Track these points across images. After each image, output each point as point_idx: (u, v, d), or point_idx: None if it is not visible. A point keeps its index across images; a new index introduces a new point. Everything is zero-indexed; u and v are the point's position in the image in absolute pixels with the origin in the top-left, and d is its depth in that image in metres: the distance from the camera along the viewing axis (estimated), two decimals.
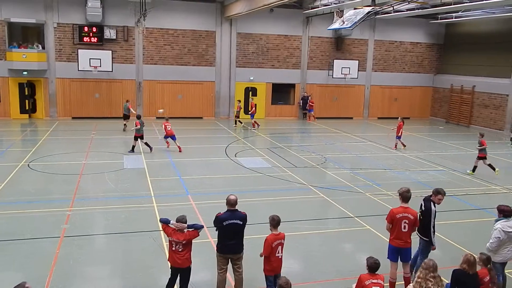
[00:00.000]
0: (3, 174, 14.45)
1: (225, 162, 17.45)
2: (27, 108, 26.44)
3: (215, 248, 7.61)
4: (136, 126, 18.23)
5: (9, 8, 25.06)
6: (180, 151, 18.82)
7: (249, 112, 26.44)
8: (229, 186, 14.00)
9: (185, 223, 7.24)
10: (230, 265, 7.56)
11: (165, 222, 7.30)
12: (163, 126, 19.00)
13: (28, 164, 15.92)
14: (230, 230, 7.37)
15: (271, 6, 21.51)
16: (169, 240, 7.25)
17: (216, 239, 7.52)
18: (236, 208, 7.50)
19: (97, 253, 9.39)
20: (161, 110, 23.21)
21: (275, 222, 7.20)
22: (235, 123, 26.46)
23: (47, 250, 9.19)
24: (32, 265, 8.60)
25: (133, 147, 18.41)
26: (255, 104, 26.60)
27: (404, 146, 20.85)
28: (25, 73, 25.63)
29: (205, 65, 28.71)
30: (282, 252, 7.22)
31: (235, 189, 12.96)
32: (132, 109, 23.82)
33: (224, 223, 7.35)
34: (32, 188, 13.40)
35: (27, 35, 26.90)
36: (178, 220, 7.22)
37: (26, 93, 26.29)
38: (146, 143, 18.49)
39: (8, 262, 8.74)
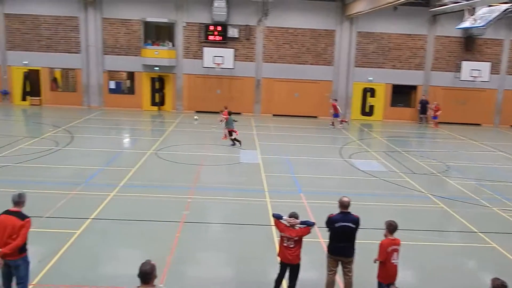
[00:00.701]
0: (134, 160, 15.93)
1: (339, 163, 17.23)
2: (156, 101, 28.76)
3: (326, 249, 7.56)
4: (224, 120, 19.57)
5: (145, 9, 27.45)
6: (225, 138, 19.88)
7: (334, 113, 25.53)
8: (342, 187, 13.81)
9: (297, 219, 7.32)
10: (339, 268, 7.47)
11: (277, 217, 7.44)
12: (223, 114, 20.26)
13: (156, 152, 17.32)
14: (342, 233, 7.27)
15: (395, 3, 20.67)
16: (280, 235, 7.38)
17: (327, 240, 7.48)
18: (349, 210, 7.38)
19: (212, 241, 9.90)
20: (196, 117, 23.64)
21: (392, 228, 6.93)
22: (332, 124, 26.02)
23: (169, 233, 9.92)
24: (155, 245, 9.35)
25: (235, 139, 19.07)
26: (336, 105, 25.62)
27: None
28: (156, 68, 27.90)
29: (323, 64, 28.59)
30: (398, 259, 6.93)
31: (348, 191, 12.73)
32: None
33: (336, 225, 7.27)
34: (158, 175, 14.58)
35: (159, 33, 29.23)
36: (290, 216, 7.33)
37: (157, 87, 28.60)
38: (234, 139, 19.17)
39: (135, 240, 9.61)
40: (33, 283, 7.49)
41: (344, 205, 7.37)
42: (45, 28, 27.65)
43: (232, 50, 27.23)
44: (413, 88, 29.36)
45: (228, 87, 28.53)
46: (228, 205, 12.04)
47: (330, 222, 7.35)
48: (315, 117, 28.86)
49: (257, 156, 17.59)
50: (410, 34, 28.44)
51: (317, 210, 11.23)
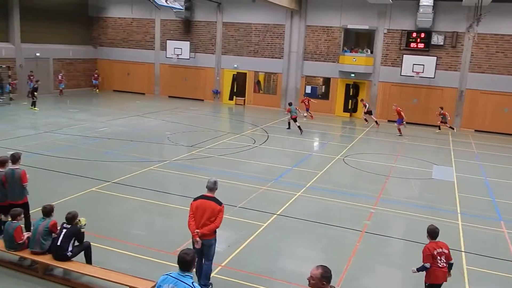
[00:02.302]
0: (322, 164, 16.31)
1: None
2: (349, 107, 28.87)
3: None
4: (286, 112, 22.50)
5: (347, 16, 27.77)
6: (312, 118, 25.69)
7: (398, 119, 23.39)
8: None
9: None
10: None
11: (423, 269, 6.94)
12: (305, 102, 26.18)
13: (343, 159, 17.42)
14: None
15: None
16: (432, 253, 6.83)
17: None
18: None
19: (392, 256, 9.51)
20: (305, 114, 24.38)
21: None
22: (439, 129, 24.53)
23: (349, 240, 9.89)
24: (333, 250, 9.44)
25: (289, 124, 22.60)
26: (400, 110, 23.37)
27: None
28: (352, 75, 28.00)
29: None
30: None
31: None
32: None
33: None
34: (343, 181, 14.65)
35: (358, 40, 29.24)
36: (431, 229, 7.19)
37: (350, 94, 28.71)
38: (298, 126, 21.76)
39: (315, 241, 9.85)
40: (222, 264, 8.32)
41: None
42: (255, 35, 30.32)
43: (434, 58, 25.62)
44: None
45: (426, 97, 26.91)
46: (414, 221, 11.38)
47: None
48: None
49: (452, 173, 16.20)
50: None
51: None
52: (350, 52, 27.92)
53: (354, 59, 27.47)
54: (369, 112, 25.46)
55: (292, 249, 9.40)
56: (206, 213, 7.09)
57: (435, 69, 25.49)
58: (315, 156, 18.30)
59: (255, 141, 19.58)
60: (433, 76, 25.53)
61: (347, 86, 28.73)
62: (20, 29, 28.42)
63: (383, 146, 20.62)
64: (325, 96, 29.54)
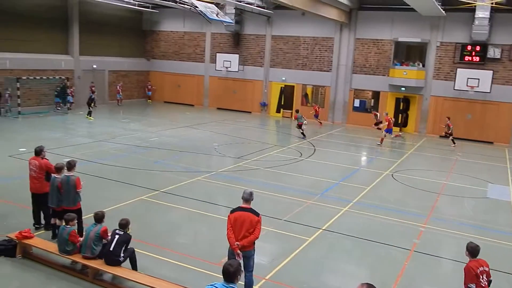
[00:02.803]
0: (369, 179, 15.97)
1: None
2: (399, 121, 28.14)
3: None
4: (295, 118, 24.09)
5: (398, 29, 27.25)
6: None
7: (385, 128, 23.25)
8: None
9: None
10: None
11: None
12: (315, 109, 27.93)
13: (392, 174, 16.98)
14: None
15: None
16: (476, 272, 6.47)
17: None
18: None
19: (443, 277, 9.11)
20: (305, 122, 23.68)
21: None
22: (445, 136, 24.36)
23: (397, 258, 9.59)
24: (380, 268, 9.17)
25: (302, 132, 23.50)
26: (390, 119, 23.64)
27: None
28: (403, 89, 27.36)
29: None
30: None
31: None
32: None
33: None
34: (392, 197, 14.25)
35: (409, 53, 28.59)
36: (472, 246, 6.88)
37: (401, 108, 28.03)
38: (302, 132, 23.25)
39: (362, 258, 9.62)
40: (266, 278, 8.27)
41: None
42: (304, 48, 30.34)
43: (490, 72, 24.61)
44: None
45: (481, 112, 25.82)
46: (466, 242, 10.84)
47: None
48: None
49: (509, 193, 15.41)
50: None
51: None
52: (401, 65, 27.34)
53: (405, 73, 26.87)
54: (377, 123, 25.28)
55: (338, 265, 9.23)
56: (245, 225, 7.07)
57: (491, 83, 24.47)
58: (363, 171, 17.95)
59: (301, 154, 19.47)
60: (488, 91, 24.52)
61: (397, 100, 28.10)
62: (79, 42, 29.89)
63: (434, 162, 19.95)
64: (374, 110, 28.96)
